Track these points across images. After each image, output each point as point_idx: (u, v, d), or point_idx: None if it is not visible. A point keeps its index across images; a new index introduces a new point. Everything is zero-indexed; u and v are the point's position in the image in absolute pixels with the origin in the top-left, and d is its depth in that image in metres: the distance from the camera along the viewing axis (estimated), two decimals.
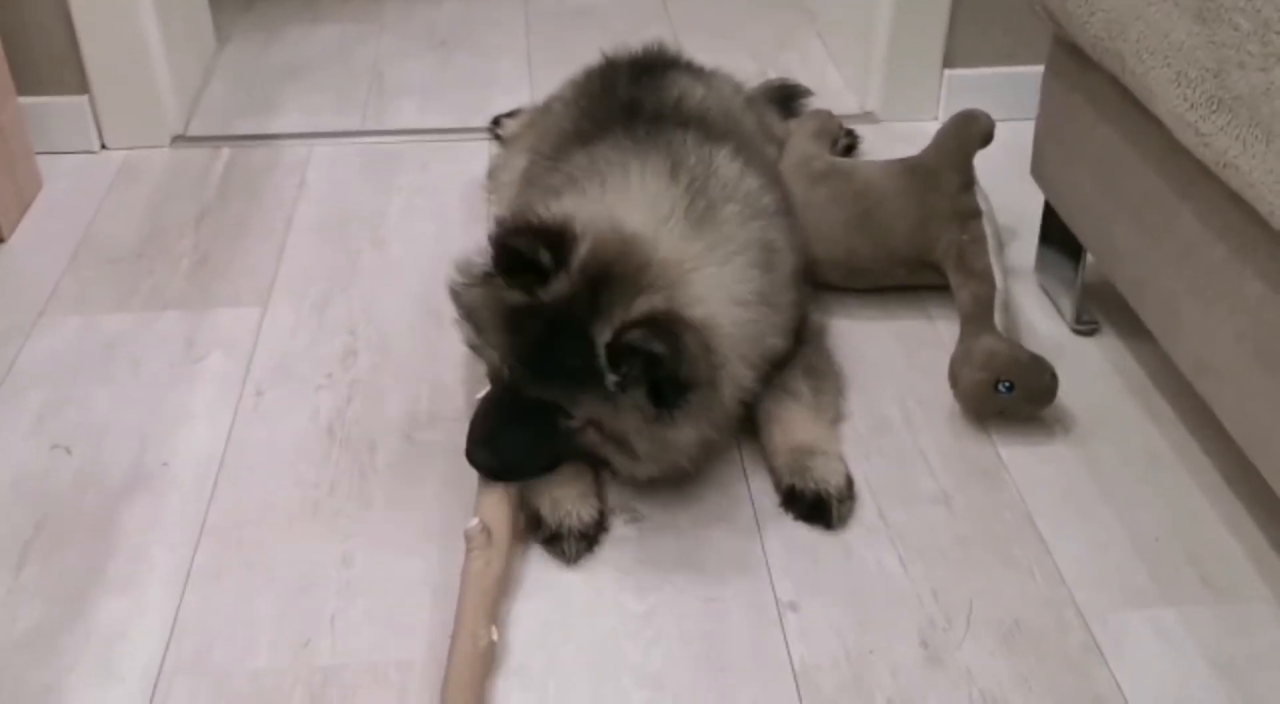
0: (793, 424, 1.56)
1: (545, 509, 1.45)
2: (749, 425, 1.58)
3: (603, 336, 1.35)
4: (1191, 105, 1.24)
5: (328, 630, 1.35)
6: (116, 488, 1.54)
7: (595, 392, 1.37)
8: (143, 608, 1.37)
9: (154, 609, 1.37)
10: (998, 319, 1.69)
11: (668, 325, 1.34)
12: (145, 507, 1.51)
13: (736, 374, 1.44)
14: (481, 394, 1.48)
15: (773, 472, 1.54)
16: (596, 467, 1.50)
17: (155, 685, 1.28)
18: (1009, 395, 1.59)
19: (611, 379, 1.36)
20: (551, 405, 1.40)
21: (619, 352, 1.34)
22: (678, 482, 1.51)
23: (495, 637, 1.27)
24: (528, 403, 1.41)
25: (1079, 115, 1.64)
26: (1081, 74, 1.63)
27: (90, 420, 1.65)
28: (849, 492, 1.50)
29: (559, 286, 1.38)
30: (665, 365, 1.33)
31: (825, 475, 1.49)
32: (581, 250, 1.38)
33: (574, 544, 1.43)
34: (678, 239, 1.46)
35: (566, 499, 1.45)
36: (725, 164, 1.61)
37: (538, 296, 1.38)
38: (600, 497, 1.49)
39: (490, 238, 1.40)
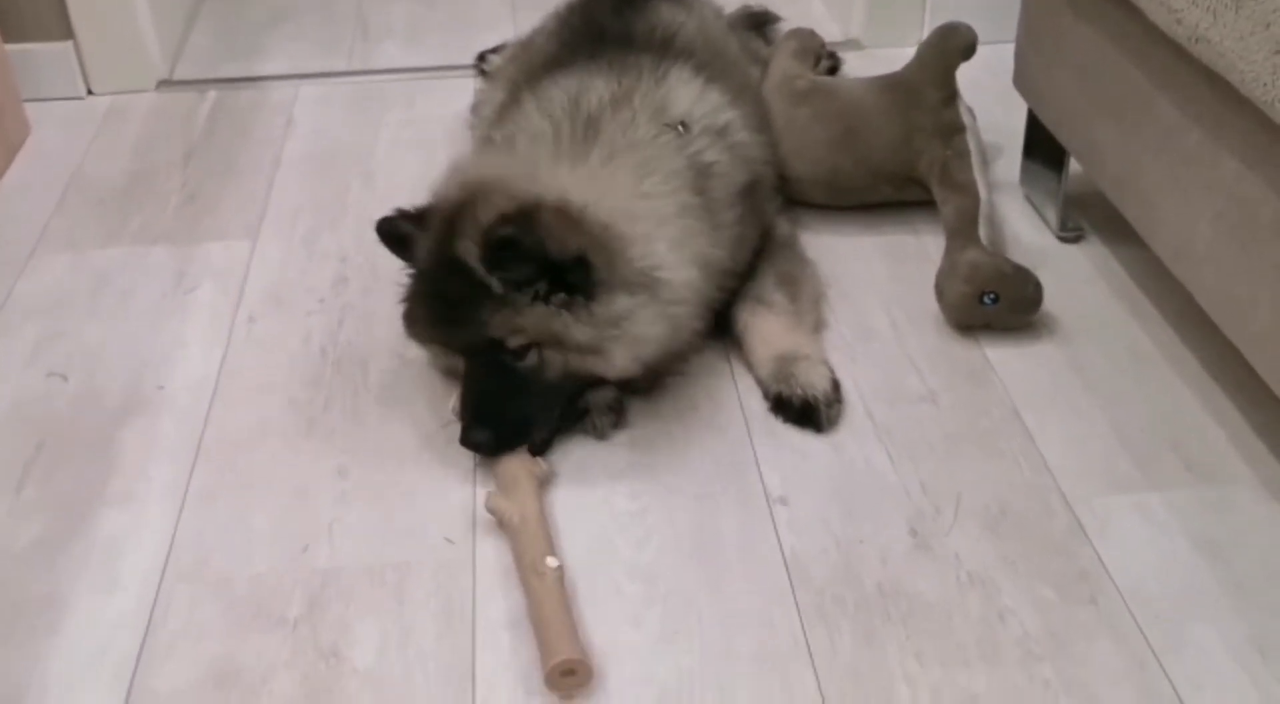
0: (773, 333, 1.58)
1: None
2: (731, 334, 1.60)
3: (470, 254, 1.39)
4: None
5: (325, 537, 1.37)
6: (113, 411, 1.56)
7: (500, 307, 1.40)
8: (142, 522, 1.39)
9: (153, 523, 1.39)
10: (982, 232, 1.70)
11: (516, 213, 1.39)
12: (142, 428, 1.53)
13: (659, 248, 1.45)
14: (453, 400, 1.50)
15: (758, 381, 1.56)
16: None
17: (157, 592, 1.31)
18: (994, 307, 1.61)
19: (496, 283, 1.39)
20: (497, 353, 1.42)
21: (488, 255, 1.38)
22: (669, 386, 1.54)
23: (554, 564, 1.27)
24: (482, 367, 1.43)
25: (1058, 16, 1.65)
26: None
27: (85, 350, 1.66)
28: (836, 395, 1.52)
29: (424, 244, 1.46)
30: (525, 244, 1.36)
31: (811, 381, 1.51)
32: (433, 207, 1.47)
33: (602, 418, 1.48)
34: (545, 158, 1.50)
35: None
36: (681, 83, 1.63)
37: (417, 265, 1.47)
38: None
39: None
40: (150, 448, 1.50)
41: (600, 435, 1.48)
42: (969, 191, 1.75)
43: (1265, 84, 1.13)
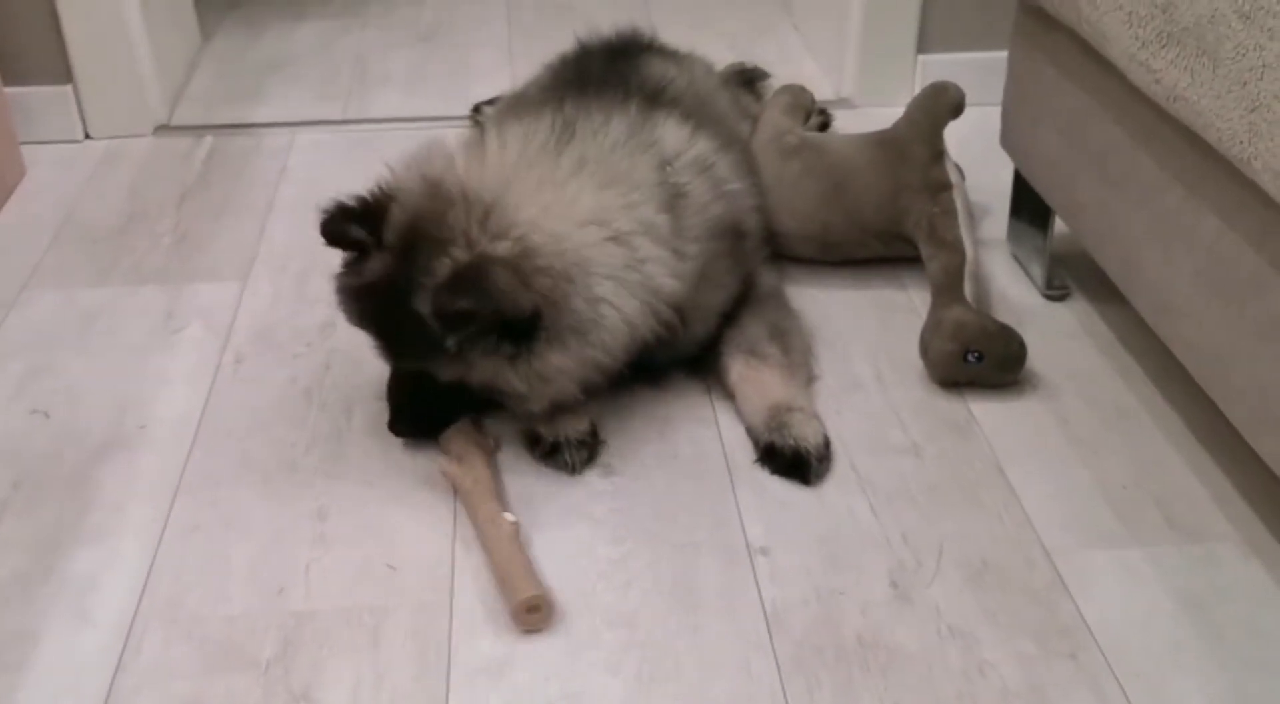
0: (767, 384, 1.58)
1: (541, 427, 1.51)
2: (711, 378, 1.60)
3: (425, 307, 1.39)
4: (1143, 44, 1.27)
5: (302, 578, 1.36)
6: (93, 449, 1.55)
7: (452, 361, 1.42)
8: (117, 559, 1.38)
9: (129, 560, 1.38)
10: (968, 289, 1.71)
11: (473, 276, 1.37)
12: (122, 466, 1.52)
13: (599, 291, 1.44)
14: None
15: (750, 430, 1.56)
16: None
17: (129, 630, 1.29)
18: (978, 365, 1.61)
19: (451, 343, 1.40)
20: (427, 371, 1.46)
21: (444, 319, 1.38)
22: (653, 433, 1.54)
23: (510, 518, 1.37)
24: (408, 373, 1.48)
25: (1043, 76, 1.67)
26: (1044, 35, 1.66)
27: (68, 387, 1.66)
28: (826, 450, 1.51)
29: (375, 264, 1.45)
30: (482, 314, 1.37)
31: (804, 433, 1.51)
32: (393, 217, 1.44)
33: (574, 453, 1.49)
34: (512, 162, 1.48)
35: (558, 415, 1.50)
36: (672, 128, 1.64)
37: (363, 276, 1.46)
38: (589, 413, 1.53)
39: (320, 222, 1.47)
40: (129, 486, 1.49)
41: (572, 470, 1.49)
42: (955, 248, 1.76)
43: (1242, 141, 1.14)
